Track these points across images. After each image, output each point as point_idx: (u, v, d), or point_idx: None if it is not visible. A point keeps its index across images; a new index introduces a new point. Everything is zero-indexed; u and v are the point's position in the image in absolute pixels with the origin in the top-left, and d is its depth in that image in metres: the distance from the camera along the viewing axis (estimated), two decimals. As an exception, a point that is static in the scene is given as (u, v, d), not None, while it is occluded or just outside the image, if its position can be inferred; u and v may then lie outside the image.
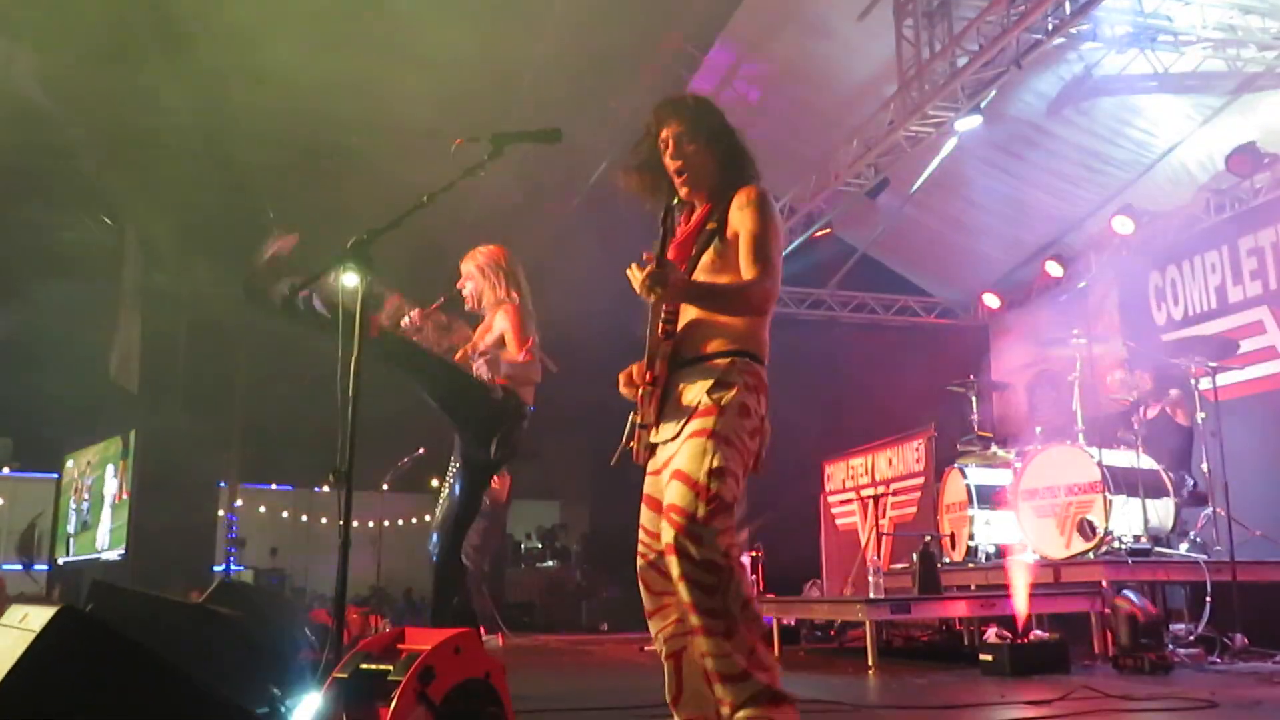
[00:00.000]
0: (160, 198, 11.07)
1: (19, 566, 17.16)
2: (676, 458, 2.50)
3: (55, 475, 17.02)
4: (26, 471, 18.39)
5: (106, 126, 9.72)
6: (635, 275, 2.50)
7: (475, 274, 4.35)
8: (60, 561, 16.34)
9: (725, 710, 2.35)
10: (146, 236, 11.99)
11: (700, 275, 2.64)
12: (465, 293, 4.38)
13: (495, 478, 6.88)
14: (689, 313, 2.66)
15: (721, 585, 2.36)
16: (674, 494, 2.46)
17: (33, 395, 14.45)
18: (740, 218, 2.62)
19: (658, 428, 2.61)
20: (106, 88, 8.93)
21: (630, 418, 2.69)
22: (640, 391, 2.66)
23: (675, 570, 2.39)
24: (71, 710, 2.15)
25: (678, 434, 2.53)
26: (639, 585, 2.68)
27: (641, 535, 2.67)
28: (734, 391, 2.51)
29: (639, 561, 2.66)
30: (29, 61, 8.69)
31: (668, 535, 2.42)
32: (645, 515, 2.67)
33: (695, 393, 2.54)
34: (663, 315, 2.63)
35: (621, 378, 2.77)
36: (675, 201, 2.69)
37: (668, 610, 2.58)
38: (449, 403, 4.08)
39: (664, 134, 2.73)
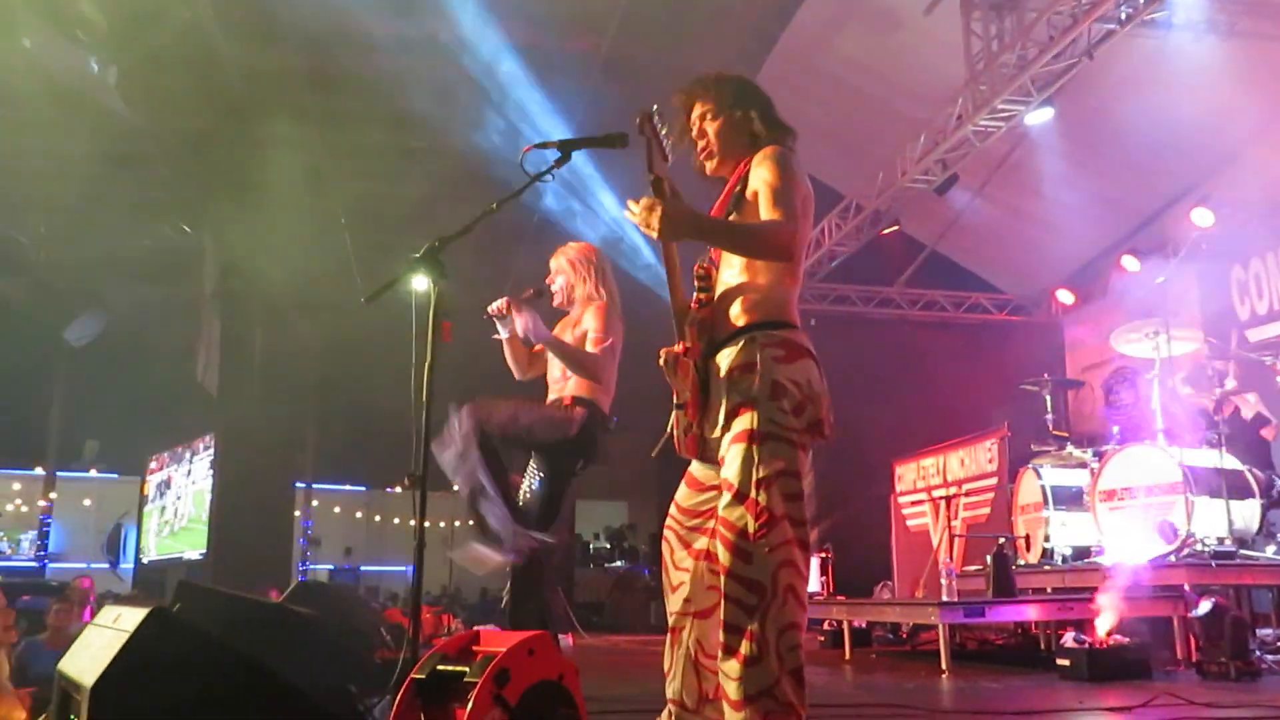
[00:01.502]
0: (235, 204, 11.39)
1: (106, 565, 17.76)
2: (725, 464, 2.41)
3: (140, 477, 17.57)
4: (113, 473, 19.01)
5: (183, 134, 10.01)
6: (634, 210, 2.37)
7: (566, 269, 4.27)
8: (145, 560, 16.86)
9: None
10: (223, 242, 12.32)
11: None
12: (555, 288, 4.32)
13: None
14: (721, 281, 2.55)
15: (761, 608, 2.28)
16: (723, 507, 2.37)
17: (118, 399, 14.96)
18: (756, 174, 2.52)
19: (700, 414, 2.49)
20: (181, 96, 9.20)
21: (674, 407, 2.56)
22: (664, 360, 2.51)
23: (722, 586, 2.34)
24: (163, 708, 2.23)
25: (723, 430, 2.42)
26: (662, 558, 2.62)
27: (673, 510, 2.61)
28: (757, 374, 2.39)
29: (665, 533, 2.61)
30: (107, 70, 8.98)
31: (721, 554, 2.35)
32: (682, 491, 2.60)
33: (726, 381, 2.43)
34: (695, 281, 2.52)
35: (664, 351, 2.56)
36: (655, 107, 2.50)
37: (680, 589, 2.54)
38: (534, 442, 4.10)
39: (693, 115, 2.70)
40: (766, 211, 2.45)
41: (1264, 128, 8.16)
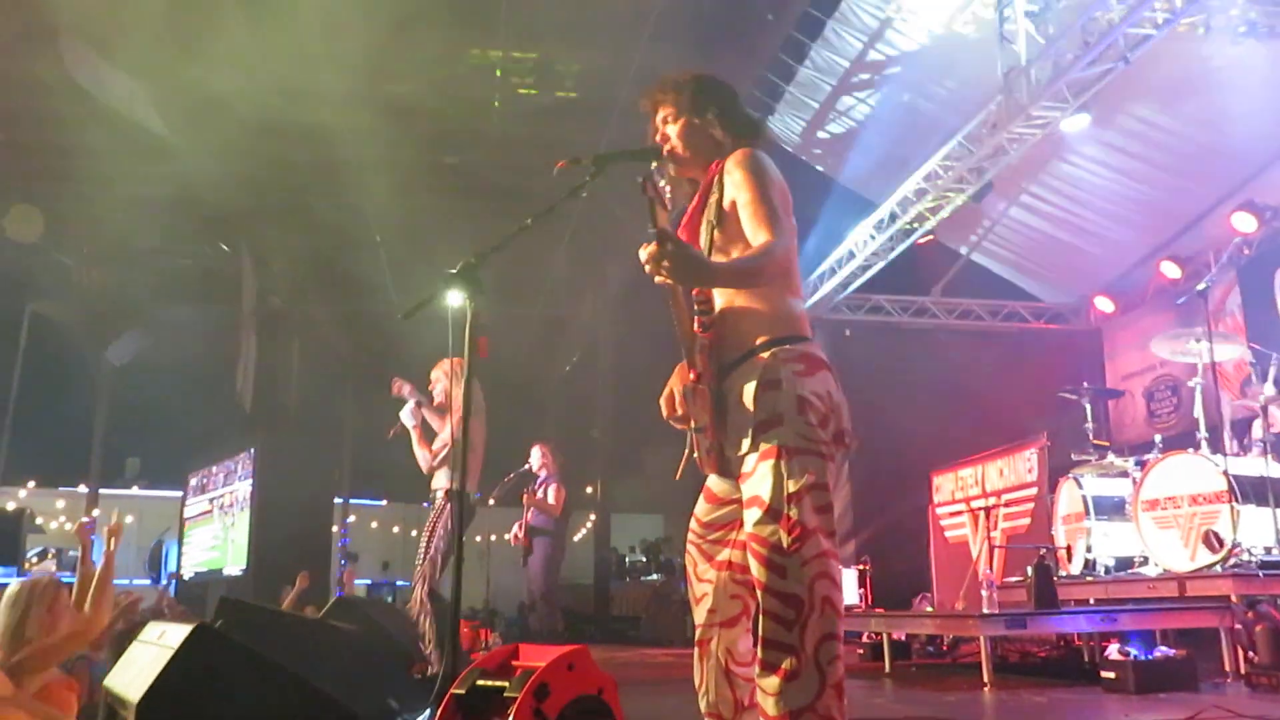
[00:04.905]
0: (274, 224, 11.53)
1: (148, 581, 17.95)
2: (752, 480, 2.37)
3: (180, 493, 17.77)
4: (153, 489, 19.26)
5: (223, 157, 10.15)
6: (644, 257, 2.30)
7: (442, 378, 5.47)
8: (186, 576, 17.04)
9: None
10: (261, 262, 12.47)
11: (711, 256, 2.51)
12: (436, 394, 5.53)
13: (553, 492, 7.90)
14: (720, 301, 2.52)
15: (800, 620, 2.25)
16: (754, 523, 2.34)
17: (158, 416, 15.17)
18: (732, 182, 2.49)
19: (718, 434, 2.47)
20: (221, 119, 9.34)
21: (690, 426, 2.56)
22: (683, 390, 2.53)
23: (760, 602, 2.32)
24: (208, 722, 2.26)
25: (750, 448, 2.38)
26: (686, 571, 2.61)
27: (693, 524, 2.60)
28: (782, 390, 2.37)
29: (688, 548, 2.59)
30: (148, 95, 9.13)
31: (755, 570, 2.33)
32: (701, 506, 2.59)
33: (749, 400, 2.39)
34: (695, 306, 2.49)
35: (663, 402, 2.61)
36: (654, 165, 2.52)
37: (704, 600, 2.52)
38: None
39: (657, 118, 2.69)
40: (752, 230, 2.43)
41: (1307, 129, 8.03)
